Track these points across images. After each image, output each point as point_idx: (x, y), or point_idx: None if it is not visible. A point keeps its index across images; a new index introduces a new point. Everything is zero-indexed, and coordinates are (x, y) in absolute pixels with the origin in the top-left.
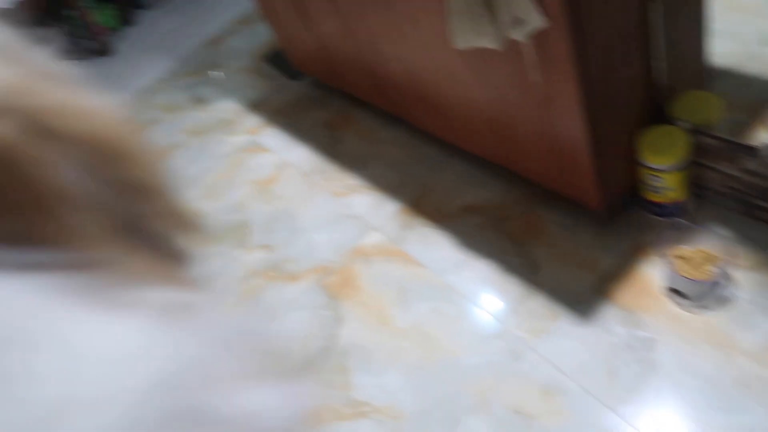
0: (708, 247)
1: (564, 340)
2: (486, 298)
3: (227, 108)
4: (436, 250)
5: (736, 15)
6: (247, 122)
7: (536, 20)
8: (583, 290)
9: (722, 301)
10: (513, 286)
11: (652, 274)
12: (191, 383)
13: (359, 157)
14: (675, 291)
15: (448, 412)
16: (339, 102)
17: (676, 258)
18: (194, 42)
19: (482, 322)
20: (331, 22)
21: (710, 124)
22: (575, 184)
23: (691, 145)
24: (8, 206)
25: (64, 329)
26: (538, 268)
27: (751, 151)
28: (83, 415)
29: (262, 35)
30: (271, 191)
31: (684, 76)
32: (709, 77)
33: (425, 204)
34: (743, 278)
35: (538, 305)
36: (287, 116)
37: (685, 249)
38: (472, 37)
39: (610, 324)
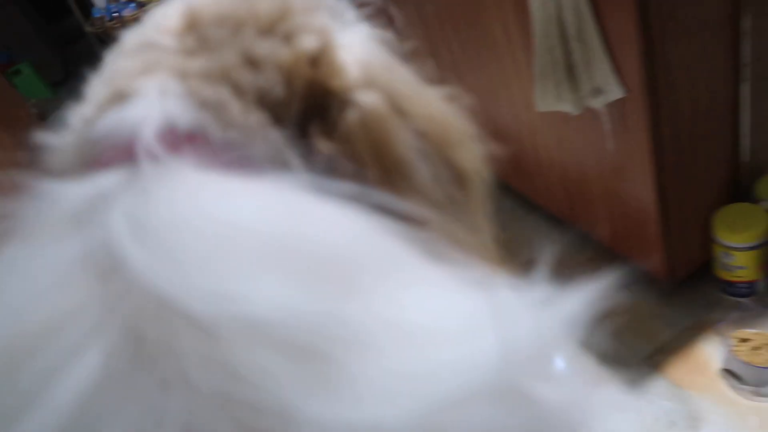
0: None
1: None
2: None
3: None
4: None
5: None
6: None
7: (616, 91)
8: (633, 358)
9: None
10: None
11: (710, 353)
12: (516, 361)
13: None
14: (730, 373)
15: None
16: None
17: (737, 339)
18: None
19: None
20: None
21: None
22: (643, 252)
23: None
24: (371, 158)
25: (420, 270)
26: (590, 328)
27: None
28: (447, 345)
29: None
30: None
31: None
32: None
33: None
34: None
35: (583, 366)
36: None
37: (749, 332)
38: (552, 101)
39: (656, 396)
